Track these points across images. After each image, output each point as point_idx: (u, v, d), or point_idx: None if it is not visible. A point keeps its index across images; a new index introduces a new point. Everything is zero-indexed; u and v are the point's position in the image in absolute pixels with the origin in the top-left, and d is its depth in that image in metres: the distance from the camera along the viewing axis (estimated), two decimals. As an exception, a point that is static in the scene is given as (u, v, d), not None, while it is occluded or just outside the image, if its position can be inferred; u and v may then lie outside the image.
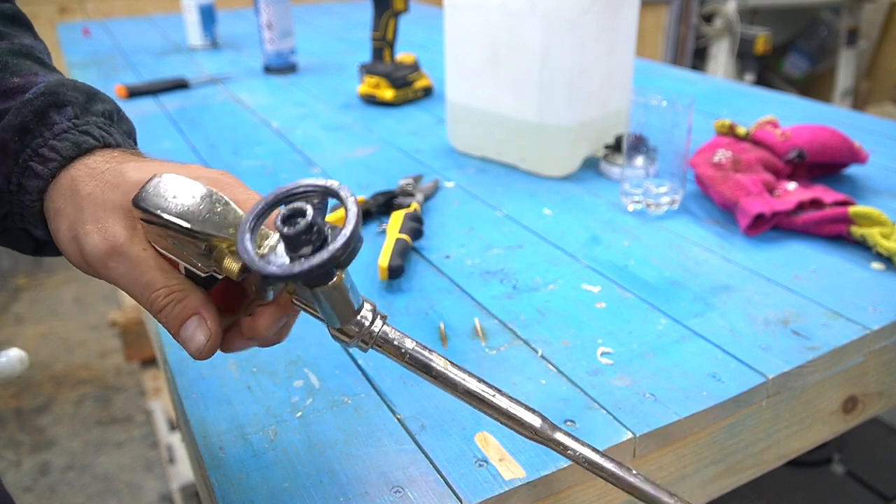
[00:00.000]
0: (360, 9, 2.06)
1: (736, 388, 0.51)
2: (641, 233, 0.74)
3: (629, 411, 0.48)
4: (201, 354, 0.38)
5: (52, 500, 1.60)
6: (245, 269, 0.37)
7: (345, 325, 0.38)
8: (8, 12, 0.47)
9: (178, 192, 0.37)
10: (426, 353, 0.39)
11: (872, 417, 0.65)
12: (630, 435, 0.46)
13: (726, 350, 0.55)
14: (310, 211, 0.34)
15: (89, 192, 0.38)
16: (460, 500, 0.42)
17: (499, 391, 0.39)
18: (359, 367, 0.54)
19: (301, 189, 0.36)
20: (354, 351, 0.55)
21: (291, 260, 0.35)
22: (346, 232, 0.34)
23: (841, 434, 0.62)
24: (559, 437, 0.38)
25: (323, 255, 0.33)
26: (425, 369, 0.39)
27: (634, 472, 0.38)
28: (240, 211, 0.38)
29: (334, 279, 0.36)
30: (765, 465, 0.56)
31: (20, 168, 0.39)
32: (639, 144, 0.78)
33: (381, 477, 0.43)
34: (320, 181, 0.36)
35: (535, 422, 0.38)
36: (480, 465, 0.44)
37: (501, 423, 0.39)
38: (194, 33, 1.58)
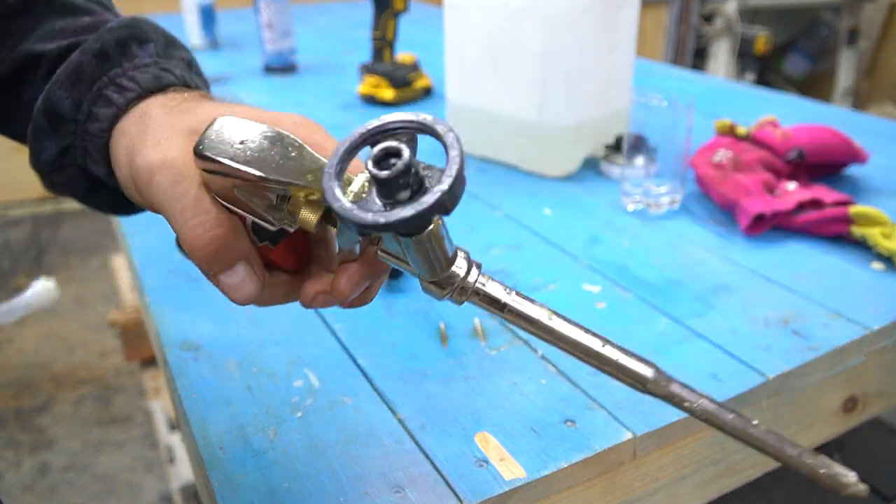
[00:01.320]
0: (360, 9, 2.06)
1: (736, 388, 0.51)
2: (641, 233, 0.74)
3: (629, 411, 0.48)
4: (247, 301, 0.35)
5: (52, 500, 1.60)
6: (325, 218, 0.34)
7: (441, 275, 0.35)
8: None
9: (246, 135, 0.33)
10: (527, 304, 0.36)
11: (872, 417, 0.65)
12: (630, 435, 0.46)
13: (726, 350, 0.55)
14: (405, 151, 0.31)
15: (159, 115, 0.36)
16: (460, 500, 0.42)
17: (607, 341, 0.36)
18: (359, 367, 0.54)
19: (391, 125, 0.32)
20: (354, 350, 0.55)
21: (387, 206, 0.31)
22: (451, 173, 0.30)
23: (841, 434, 0.61)
24: (675, 388, 0.34)
25: (429, 200, 0.29)
26: (528, 321, 0.36)
27: (755, 422, 0.34)
28: (317, 155, 0.34)
29: (431, 226, 0.32)
30: (764, 464, 0.56)
31: (94, 94, 0.37)
32: (639, 144, 0.78)
33: (382, 477, 0.43)
34: (411, 115, 0.32)
35: (648, 372, 0.35)
36: (481, 466, 0.44)
37: (611, 375, 0.36)
38: (194, 33, 1.58)
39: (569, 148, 0.88)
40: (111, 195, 0.41)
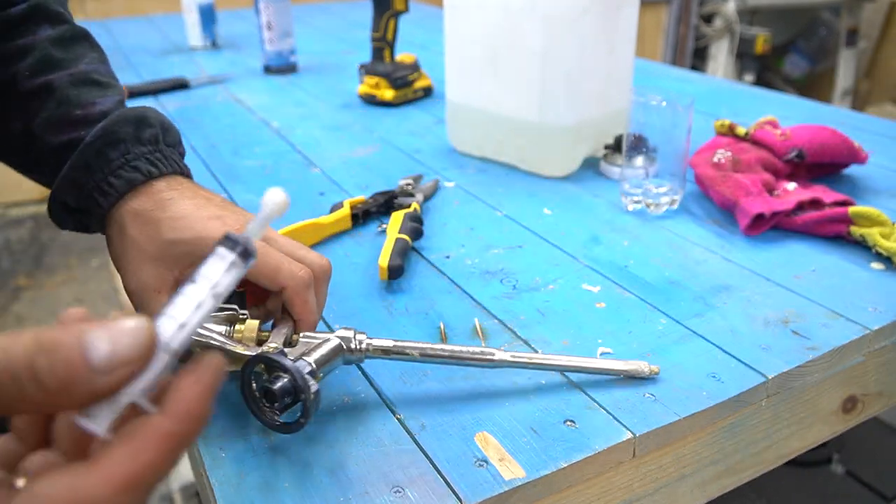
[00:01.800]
0: (360, 9, 2.06)
1: (736, 388, 0.51)
2: (641, 233, 0.74)
3: (629, 411, 0.48)
4: None
5: (52, 500, 1.60)
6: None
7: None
8: (66, 34, 0.57)
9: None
10: (407, 343, 0.50)
11: (872, 417, 0.65)
12: (630, 435, 0.46)
13: (726, 350, 0.55)
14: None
15: (133, 237, 0.49)
16: (460, 500, 0.42)
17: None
18: (359, 367, 0.54)
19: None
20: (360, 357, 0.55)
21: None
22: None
23: (841, 434, 0.62)
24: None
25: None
26: (406, 353, 0.50)
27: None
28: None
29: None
30: (764, 464, 0.56)
31: (89, 199, 0.51)
32: (639, 144, 0.78)
33: (381, 477, 0.43)
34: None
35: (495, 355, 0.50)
36: (480, 465, 0.44)
37: (464, 364, 0.51)
38: (194, 33, 1.58)
39: (569, 148, 0.88)
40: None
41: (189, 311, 0.27)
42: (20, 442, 0.26)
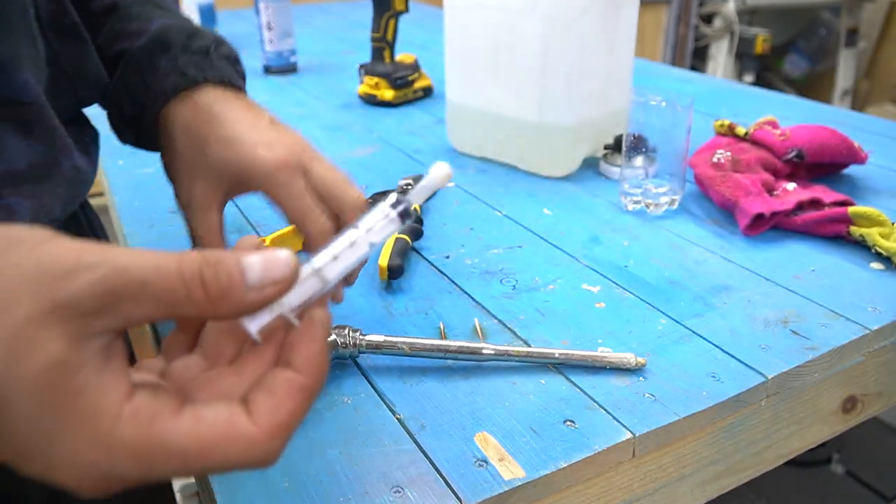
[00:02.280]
0: (360, 9, 2.06)
1: (735, 388, 0.51)
2: (641, 233, 0.74)
3: (629, 411, 0.48)
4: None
5: (52, 500, 1.60)
6: None
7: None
8: None
9: None
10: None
11: (872, 417, 0.65)
12: (630, 435, 0.46)
13: (726, 350, 0.55)
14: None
15: (181, 151, 0.49)
16: (460, 500, 0.42)
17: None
18: (359, 366, 0.54)
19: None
20: (353, 352, 0.55)
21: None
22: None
23: (840, 434, 0.62)
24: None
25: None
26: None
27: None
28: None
29: None
30: (764, 464, 0.56)
31: (139, 104, 0.51)
32: (638, 144, 0.78)
33: (381, 477, 0.43)
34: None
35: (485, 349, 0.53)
36: (480, 465, 0.44)
37: (453, 357, 0.53)
38: (194, 33, 1.58)
39: (569, 148, 0.88)
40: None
41: (343, 247, 0.31)
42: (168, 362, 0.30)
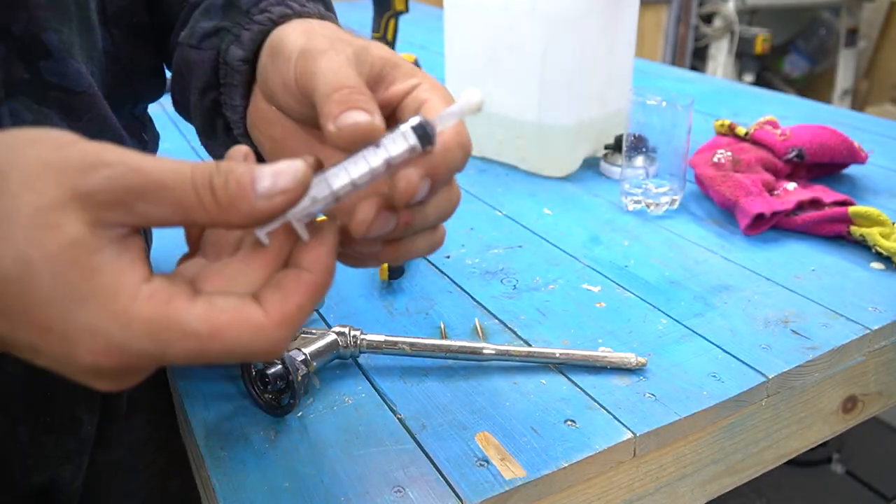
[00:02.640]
0: (360, 9, 2.05)
1: (736, 388, 0.51)
2: (641, 233, 0.74)
3: (629, 411, 0.48)
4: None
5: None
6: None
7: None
8: None
9: None
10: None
11: (872, 417, 0.65)
12: (630, 435, 0.46)
13: (726, 350, 0.55)
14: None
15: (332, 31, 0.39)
16: (461, 500, 0.42)
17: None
18: (359, 366, 0.54)
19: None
20: (354, 352, 0.55)
21: None
22: None
23: (841, 434, 0.62)
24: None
25: None
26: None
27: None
28: None
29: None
30: (764, 464, 0.56)
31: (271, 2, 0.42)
32: (638, 144, 0.78)
33: (382, 477, 0.43)
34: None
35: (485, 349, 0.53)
36: (481, 465, 0.44)
37: (453, 357, 0.52)
38: (194, 33, 1.57)
39: (569, 148, 0.88)
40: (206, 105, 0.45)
41: (358, 162, 0.30)
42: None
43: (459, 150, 0.33)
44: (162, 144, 1.04)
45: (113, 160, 0.26)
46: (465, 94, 0.32)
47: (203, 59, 0.43)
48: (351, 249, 0.34)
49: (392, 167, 0.31)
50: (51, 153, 0.26)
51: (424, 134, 0.31)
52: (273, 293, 0.28)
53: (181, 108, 0.49)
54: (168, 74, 0.52)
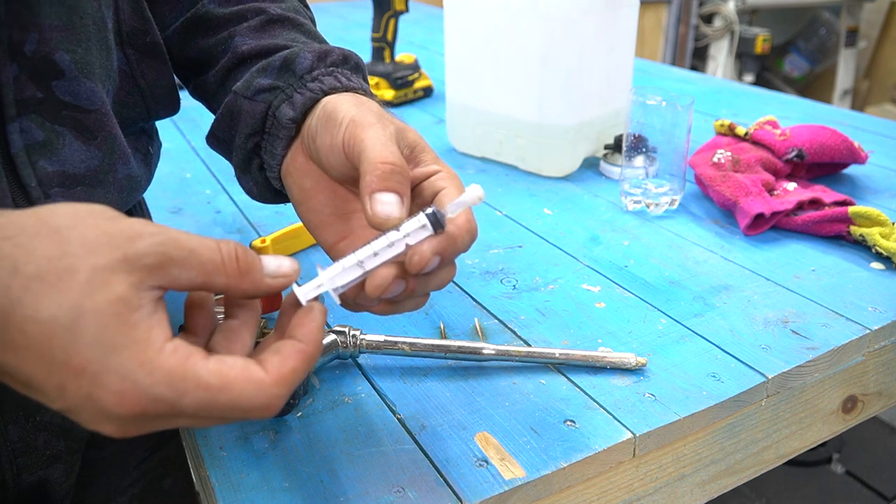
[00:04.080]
0: (360, 9, 2.05)
1: (736, 388, 0.51)
2: (641, 233, 0.74)
3: (629, 411, 0.48)
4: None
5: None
6: None
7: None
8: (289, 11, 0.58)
9: None
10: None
11: (872, 417, 0.65)
12: (630, 435, 0.46)
13: (726, 350, 0.55)
14: None
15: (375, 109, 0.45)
16: (460, 500, 0.42)
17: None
18: (359, 366, 0.54)
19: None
20: (354, 352, 0.55)
21: None
22: None
23: (841, 434, 0.62)
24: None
25: None
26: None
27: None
28: None
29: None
30: (764, 464, 0.56)
31: (327, 71, 0.48)
32: (638, 144, 0.78)
33: (382, 477, 0.43)
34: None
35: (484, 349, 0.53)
36: (481, 465, 0.44)
37: (453, 357, 0.52)
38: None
39: (569, 148, 0.88)
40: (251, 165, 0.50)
41: (383, 246, 0.37)
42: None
43: (468, 236, 0.39)
44: (163, 145, 1.04)
45: (154, 231, 0.31)
46: (469, 189, 0.38)
47: (255, 111, 0.48)
48: (353, 304, 0.40)
49: (411, 243, 0.37)
50: (105, 223, 0.31)
51: (436, 221, 0.37)
52: (273, 357, 0.33)
53: (220, 143, 0.53)
54: (180, 92, 0.57)
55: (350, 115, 0.42)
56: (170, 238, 0.31)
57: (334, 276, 0.37)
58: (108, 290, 0.30)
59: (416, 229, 0.37)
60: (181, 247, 0.32)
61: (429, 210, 0.37)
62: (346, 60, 0.50)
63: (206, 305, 0.36)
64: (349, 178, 0.44)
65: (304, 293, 0.37)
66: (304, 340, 0.34)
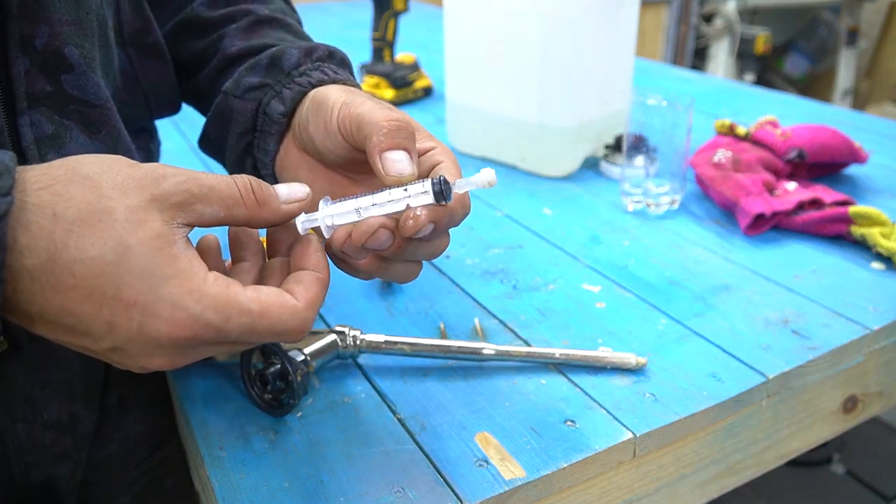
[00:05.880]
0: (360, 9, 2.05)
1: (736, 388, 0.51)
2: (641, 233, 0.74)
3: (629, 411, 0.48)
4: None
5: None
6: None
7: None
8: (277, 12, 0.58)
9: None
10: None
11: (872, 417, 0.65)
12: (630, 435, 0.46)
13: (726, 350, 0.55)
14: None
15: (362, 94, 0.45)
16: (460, 500, 0.42)
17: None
18: (359, 366, 0.54)
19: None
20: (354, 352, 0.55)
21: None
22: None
23: (841, 434, 0.62)
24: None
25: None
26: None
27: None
28: None
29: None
30: (765, 464, 0.56)
31: (313, 67, 0.48)
32: (639, 144, 0.78)
33: (382, 477, 0.43)
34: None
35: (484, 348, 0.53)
36: (481, 465, 0.44)
37: (453, 357, 0.53)
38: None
39: (569, 148, 0.88)
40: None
41: (384, 200, 0.38)
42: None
43: (462, 210, 0.39)
44: (163, 144, 1.04)
45: (176, 172, 0.34)
46: (483, 171, 0.38)
47: (245, 109, 0.49)
48: (340, 253, 0.40)
49: (412, 205, 0.37)
50: (128, 168, 0.33)
51: (441, 191, 0.37)
52: (297, 285, 0.36)
53: (212, 144, 0.54)
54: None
55: (342, 100, 0.43)
56: (190, 177, 0.34)
57: (332, 215, 0.38)
58: (147, 226, 0.32)
59: (420, 192, 0.38)
60: (202, 184, 0.34)
61: (436, 178, 0.38)
62: (332, 56, 0.50)
63: (249, 240, 0.39)
64: (347, 161, 0.44)
65: (301, 222, 0.38)
66: (318, 269, 0.37)
